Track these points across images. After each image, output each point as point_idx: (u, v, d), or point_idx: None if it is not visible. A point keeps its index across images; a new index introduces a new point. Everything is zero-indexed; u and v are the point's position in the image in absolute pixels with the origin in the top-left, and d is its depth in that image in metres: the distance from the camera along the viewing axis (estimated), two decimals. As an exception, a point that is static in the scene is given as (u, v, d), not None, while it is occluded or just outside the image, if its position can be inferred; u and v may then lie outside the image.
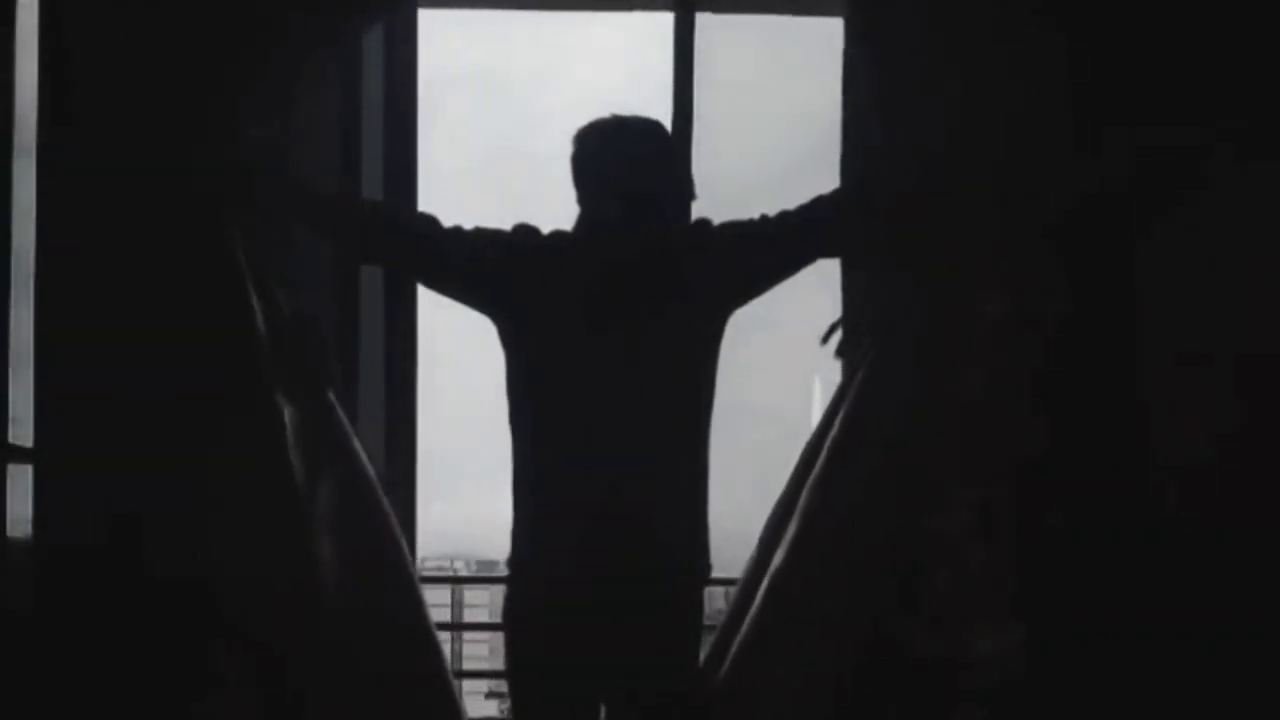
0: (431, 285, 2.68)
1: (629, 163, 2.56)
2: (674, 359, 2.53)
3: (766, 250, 2.62)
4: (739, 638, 2.60)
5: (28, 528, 2.62)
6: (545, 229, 2.61)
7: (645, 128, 2.63)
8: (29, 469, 2.63)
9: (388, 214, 2.92)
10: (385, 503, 2.70)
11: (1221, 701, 2.57)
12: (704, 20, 3.30)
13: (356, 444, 2.71)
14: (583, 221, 2.60)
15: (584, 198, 2.60)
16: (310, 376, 2.68)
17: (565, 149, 2.61)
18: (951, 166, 2.69)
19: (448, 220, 2.60)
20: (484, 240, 2.60)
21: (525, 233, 2.61)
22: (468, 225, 2.59)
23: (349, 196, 3.08)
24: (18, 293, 2.64)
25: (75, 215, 2.64)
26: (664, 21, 3.31)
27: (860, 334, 2.76)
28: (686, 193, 2.62)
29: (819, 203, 2.64)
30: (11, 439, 2.61)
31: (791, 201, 2.62)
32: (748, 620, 2.60)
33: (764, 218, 2.62)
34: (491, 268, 2.57)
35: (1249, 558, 2.61)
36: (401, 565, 2.69)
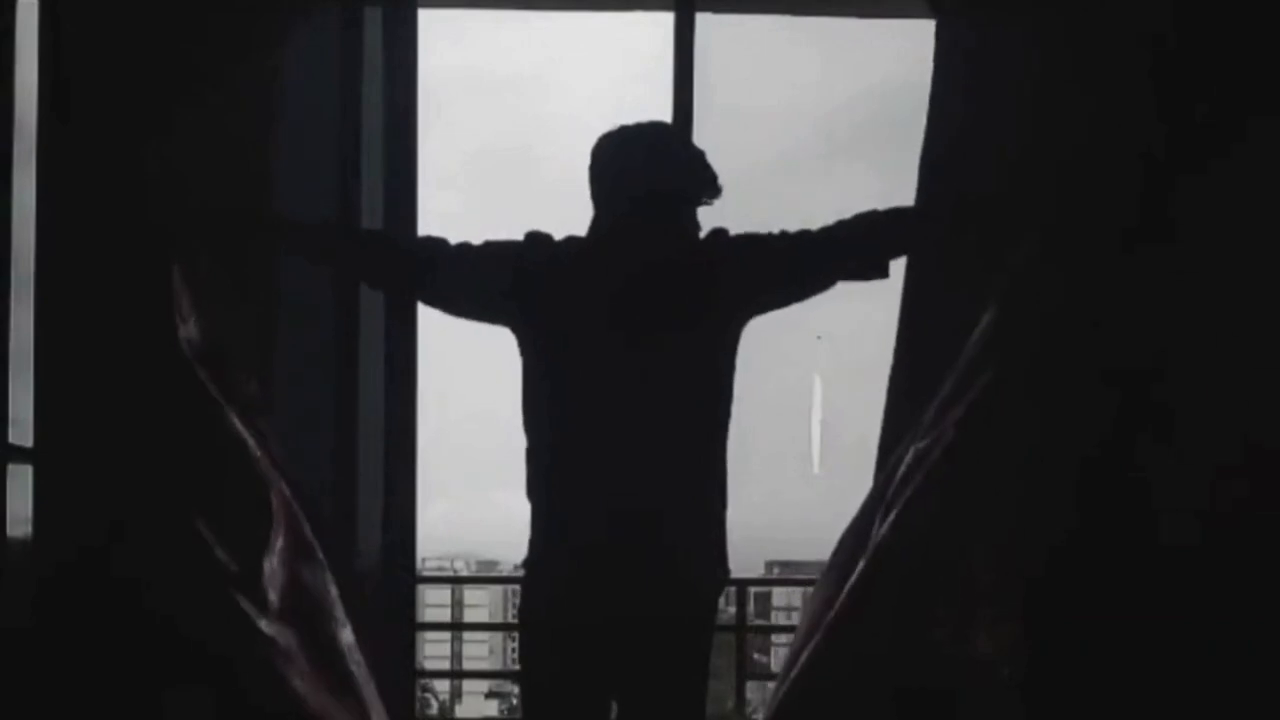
0: (447, 309, 2.65)
1: (642, 165, 2.56)
2: (690, 365, 2.53)
3: (782, 266, 2.61)
4: (812, 646, 2.62)
5: (28, 528, 2.63)
6: (557, 235, 2.60)
7: (659, 130, 2.64)
8: (29, 469, 2.63)
9: (389, 240, 2.93)
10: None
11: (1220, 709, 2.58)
12: (704, 20, 3.30)
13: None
14: (597, 226, 2.60)
15: (599, 202, 2.60)
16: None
17: (565, 148, 2.61)
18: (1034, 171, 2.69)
19: (453, 223, 2.60)
20: (493, 254, 2.59)
21: (536, 241, 2.60)
22: (473, 234, 2.59)
23: (347, 226, 3.12)
24: (18, 293, 2.64)
25: (75, 217, 2.64)
26: (664, 21, 3.31)
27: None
28: (704, 191, 2.61)
29: (843, 225, 2.62)
30: (11, 439, 2.61)
31: (790, 199, 2.63)
32: (825, 629, 2.62)
33: (784, 233, 2.61)
34: (505, 280, 2.56)
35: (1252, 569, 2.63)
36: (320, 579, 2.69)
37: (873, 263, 2.66)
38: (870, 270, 2.67)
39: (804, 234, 2.61)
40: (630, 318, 2.51)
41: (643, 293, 2.52)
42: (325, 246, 2.79)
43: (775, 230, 2.62)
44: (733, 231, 2.62)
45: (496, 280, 2.57)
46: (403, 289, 2.83)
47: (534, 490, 2.57)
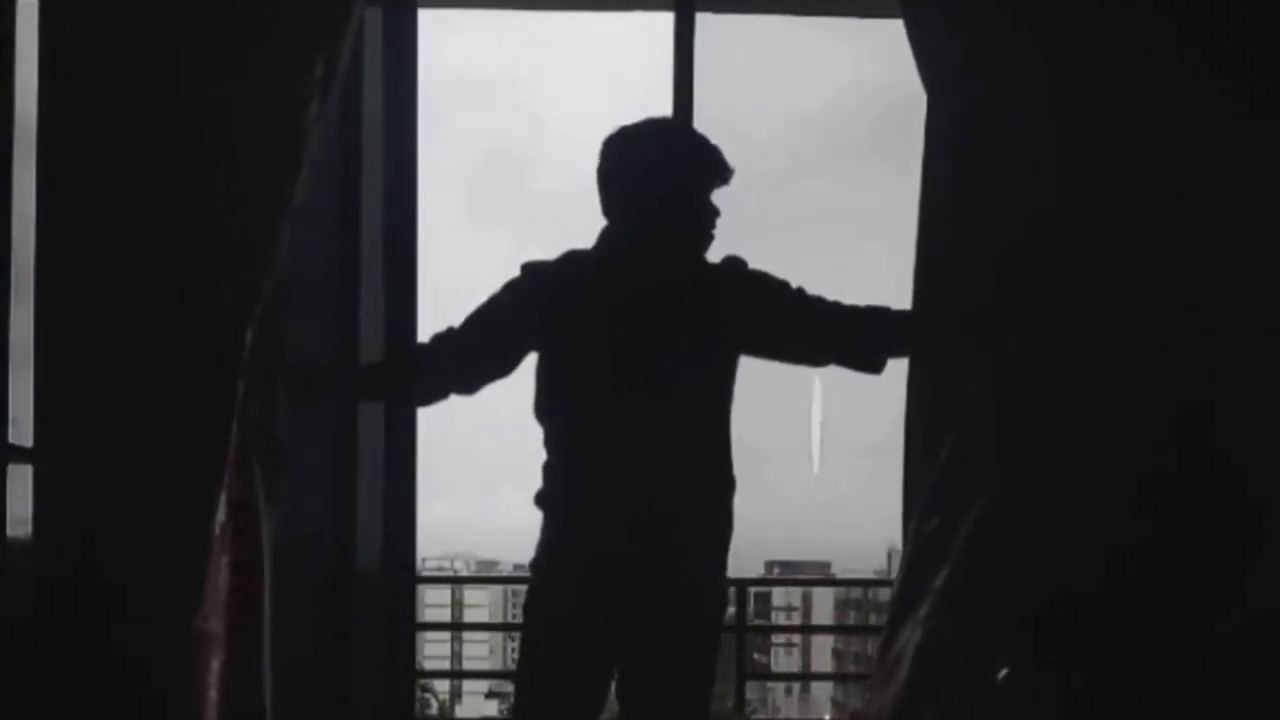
0: (493, 376, 2.64)
1: (653, 170, 2.56)
2: (700, 381, 2.56)
3: (783, 318, 2.62)
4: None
5: (28, 528, 2.63)
6: (554, 241, 2.61)
7: (665, 130, 2.65)
8: (29, 469, 2.63)
9: (406, 360, 2.89)
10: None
11: None
12: (704, 20, 3.30)
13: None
14: (610, 237, 2.60)
15: (612, 211, 2.60)
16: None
17: (566, 148, 2.63)
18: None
19: (453, 222, 2.61)
20: (502, 306, 2.60)
21: (537, 272, 2.60)
22: (472, 233, 2.60)
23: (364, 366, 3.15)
24: (17, 293, 2.64)
25: (75, 217, 2.64)
26: (664, 21, 3.31)
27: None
28: (715, 180, 2.60)
29: (856, 310, 2.63)
30: (11, 439, 2.61)
31: (791, 199, 2.64)
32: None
33: (800, 291, 2.62)
34: (523, 321, 2.58)
35: None
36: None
37: (869, 356, 2.67)
38: (866, 364, 2.68)
39: (817, 300, 2.63)
40: (646, 333, 2.52)
41: (658, 309, 2.53)
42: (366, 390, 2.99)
43: (789, 278, 2.64)
44: (735, 230, 2.63)
45: (516, 327, 2.59)
46: (448, 386, 2.71)
47: (548, 498, 2.58)
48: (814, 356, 2.68)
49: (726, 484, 2.59)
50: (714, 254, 2.65)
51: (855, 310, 2.63)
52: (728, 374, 2.60)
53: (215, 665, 2.58)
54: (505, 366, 2.62)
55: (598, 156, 2.60)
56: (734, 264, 2.63)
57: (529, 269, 2.61)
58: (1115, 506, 2.63)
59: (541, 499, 2.59)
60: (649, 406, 2.51)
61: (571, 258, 2.61)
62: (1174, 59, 2.68)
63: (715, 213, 2.60)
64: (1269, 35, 2.69)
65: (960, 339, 2.76)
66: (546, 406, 2.59)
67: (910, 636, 2.66)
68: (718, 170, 2.58)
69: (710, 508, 2.57)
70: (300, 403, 2.80)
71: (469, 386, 2.64)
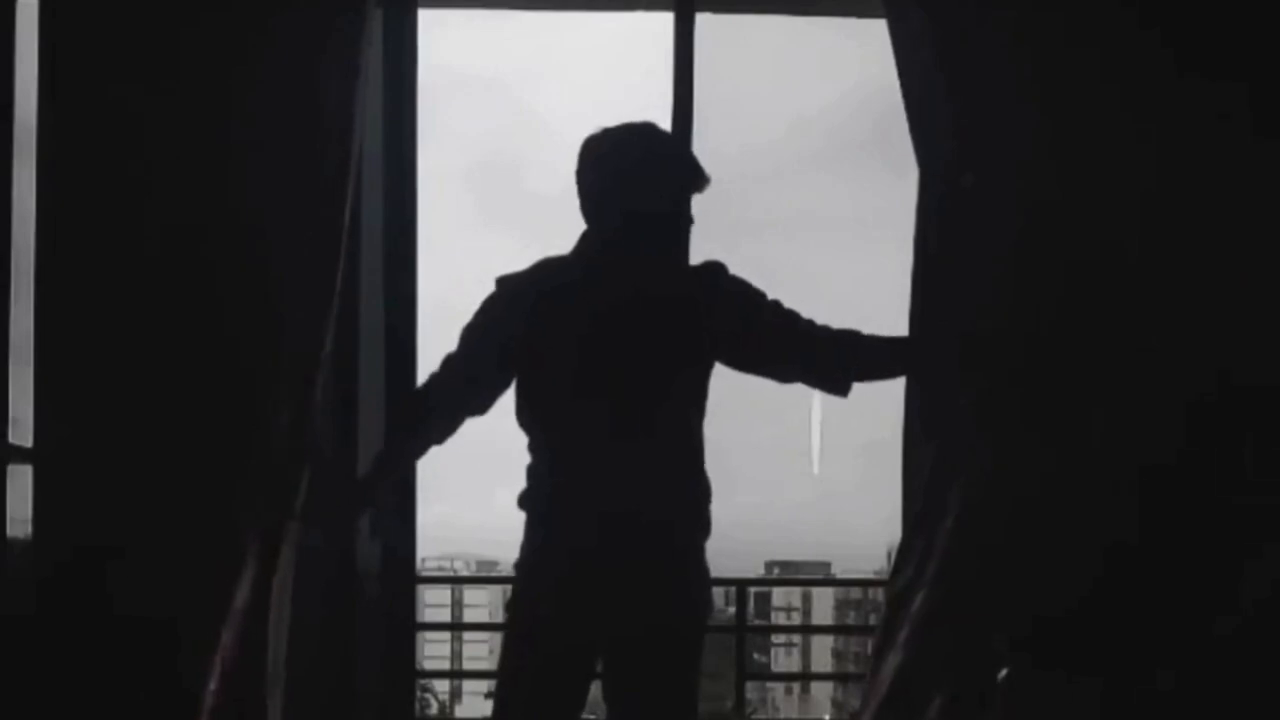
0: (497, 389, 2.62)
1: (631, 179, 2.55)
2: (675, 382, 2.56)
3: (760, 331, 2.60)
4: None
5: (28, 528, 2.63)
6: (548, 240, 2.60)
7: (643, 135, 2.63)
8: (29, 469, 2.64)
9: (423, 399, 2.75)
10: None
11: None
12: (704, 20, 3.30)
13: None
14: (590, 245, 2.61)
15: (590, 217, 2.59)
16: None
17: (563, 149, 2.60)
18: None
19: (452, 223, 2.61)
20: (490, 320, 2.59)
21: (513, 285, 2.60)
22: (472, 234, 2.59)
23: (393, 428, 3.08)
24: (17, 292, 2.64)
25: (75, 216, 2.64)
26: (664, 21, 3.31)
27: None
28: (692, 187, 2.61)
29: (830, 332, 2.61)
30: (11, 439, 2.61)
31: (790, 198, 2.63)
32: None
33: (776, 304, 2.61)
34: (508, 335, 2.58)
35: None
36: None
37: (837, 378, 2.66)
38: (834, 385, 2.66)
39: (792, 313, 2.62)
40: (624, 337, 2.52)
41: (635, 313, 2.53)
42: (405, 453, 2.82)
43: (768, 290, 2.62)
44: (735, 231, 2.64)
45: (509, 338, 2.58)
46: (462, 413, 2.68)
47: (532, 500, 2.59)
48: (783, 370, 2.67)
49: (701, 481, 2.60)
50: (712, 256, 2.65)
51: (828, 330, 2.62)
52: (703, 378, 2.60)
53: (216, 665, 2.59)
54: (509, 379, 2.63)
55: (576, 160, 2.60)
56: (712, 268, 2.62)
57: (505, 282, 2.61)
58: (1112, 508, 2.63)
59: (525, 500, 2.59)
60: (627, 409, 2.51)
61: (545, 264, 2.62)
62: (1172, 59, 2.69)
63: (689, 220, 2.60)
64: (1267, 36, 2.70)
65: (953, 363, 2.76)
66: (529, 411, 2.59)
67: (895, 657, 2.67)
68: (694, 177, 2.59)
69: (691, 507, 2.58)
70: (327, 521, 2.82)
71: (481, 408, 2.64)
